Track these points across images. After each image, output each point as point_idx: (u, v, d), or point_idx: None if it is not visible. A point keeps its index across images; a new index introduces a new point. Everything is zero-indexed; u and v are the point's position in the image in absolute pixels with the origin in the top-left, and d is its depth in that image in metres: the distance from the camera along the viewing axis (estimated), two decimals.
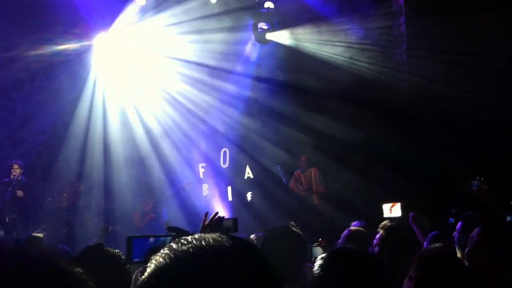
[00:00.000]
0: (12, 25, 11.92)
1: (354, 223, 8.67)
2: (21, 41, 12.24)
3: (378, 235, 4.13)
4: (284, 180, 11.43)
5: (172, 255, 1.08)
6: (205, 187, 12.25)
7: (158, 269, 1.07)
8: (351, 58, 11.87)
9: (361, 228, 5.09)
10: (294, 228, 3.29)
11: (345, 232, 4.89)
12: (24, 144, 12.16)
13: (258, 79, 12.38)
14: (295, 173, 11.57)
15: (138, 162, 12.06)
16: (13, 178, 10.53)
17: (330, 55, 12.01)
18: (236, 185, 12.18)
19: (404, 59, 11.77)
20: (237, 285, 1.07)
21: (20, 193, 10.40)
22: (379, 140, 10.68)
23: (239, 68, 12.63)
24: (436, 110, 10.67)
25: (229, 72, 12.49)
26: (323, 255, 2.41)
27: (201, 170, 12.41)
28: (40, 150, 12.26)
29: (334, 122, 11.14)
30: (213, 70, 12.35)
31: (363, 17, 11.96)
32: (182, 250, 1.09)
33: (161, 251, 1.11)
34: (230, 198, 12.08)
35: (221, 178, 12.30)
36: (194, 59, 12.27)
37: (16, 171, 10.55)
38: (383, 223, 4.23)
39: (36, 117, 12.31)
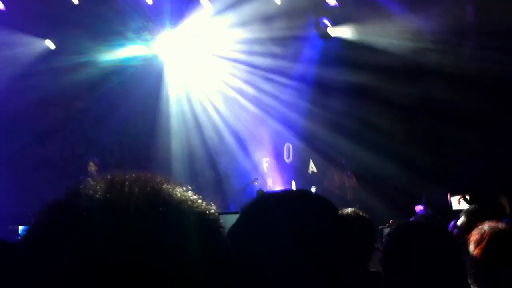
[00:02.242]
0: (84, 29, 12.56)
1: (419, 208, 8.54)
2: (93, 45, 12.88)
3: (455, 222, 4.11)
4: (349, 172, 11.37)
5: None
6: (269, 181, 12.37)
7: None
8: (419, 51, 11.62)
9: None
10: (360, 212, 3.34)
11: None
12: (97, 143, 12.77)
13: (320, 75, 12.37)
14: (333, 173, 11.59)
15: (204, 158, 12.37)
16: (89, 175, 11.08)
17: (395, 47, 11.81)
18: (300, 179, 12.22)
19: (474, 50, 11.41)
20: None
21: None
22: (446, 134, 10.45)
23: (301, 64, 12.68)
24: (507, 102, 10.30)
25: (291, 69, 12.57)
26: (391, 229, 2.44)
27: (265, 165, 12.55)
28: (112, 149, 12.82)
29: (396, 114, 11.01)
30: (275, 67, 12.47)
31: (430, 9, 11.69)
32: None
33: None
34: None
35: (285, 172, 12.40)
36: (258, 57, 12.45)
37: (92, 168, 11.12)
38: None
39: (108, 117, 12.87)
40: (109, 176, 0.88)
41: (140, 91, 12.76)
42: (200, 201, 0.91)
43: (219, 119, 12.62)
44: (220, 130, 12.57)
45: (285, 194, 1.48)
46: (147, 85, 12.78)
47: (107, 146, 12.76)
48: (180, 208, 0.86)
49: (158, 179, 0.89)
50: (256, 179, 11.59)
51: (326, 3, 12.40)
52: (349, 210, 3.36)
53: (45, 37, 12.75)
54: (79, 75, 13.22)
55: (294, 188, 12.07)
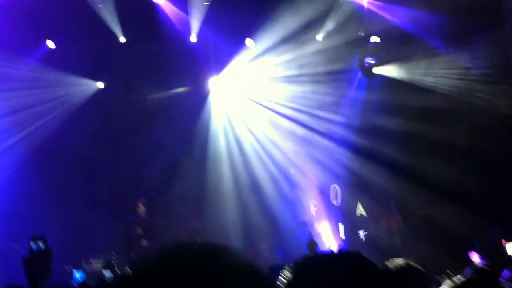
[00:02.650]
0: (132, 69, 12.95)
1: (474, 257, 8.31)
2: (141, 84, 13.26)
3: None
4: (399, 216, 11.20)
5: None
6: (316, 224, 12.30)
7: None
8: (465, 88, 11.48)
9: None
10: (412, 263, 3.29)
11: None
12: (145, 182, 13.01)
13: (365, 115, 12.35)
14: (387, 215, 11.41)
15: (251, 199, 12.43)
16: (138, 216, 11.33)
17: (442, 86, 11.70)
18: (348, 222, 12.10)
19: None
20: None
21: (139, 232, 11.17)
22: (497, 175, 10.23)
23: (346, 103, 12.69)
24: None
25: (336, 108, 12.60)
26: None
27: (313, 207, 12.49)
28: (160, 189, 13.01)
29: (445, 155, 10.86)
30: (320, 107, 12.53)
31: (475, 46, 11.57)
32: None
33: None
34: (342, 236, 12.02)
35: (332, 215, 12.30)
36: (302, 97, 12.55)
37: (140, 209, 11.34)
38: None
39: (156, 156, 13.13)
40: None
41: (187, 131, 13.00)
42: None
43: (267, 161, 12.70)
44: (268, 171, 12.63)
45: (336, 261, 1.57)
46: (194, 125, 13.01)
47: (154, 185, 12.98)
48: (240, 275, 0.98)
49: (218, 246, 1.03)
50: (304, 223, 11.55)
51: (369, 40, 12.43)
52: (401, 261, 3.28)
53: (93, 76, 13.17)
54: (127, 114, 13.60)
55: (342, 231, 11.99)
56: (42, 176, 12.32)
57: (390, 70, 12.51)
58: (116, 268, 8.53)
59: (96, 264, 11.20)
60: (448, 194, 10.53)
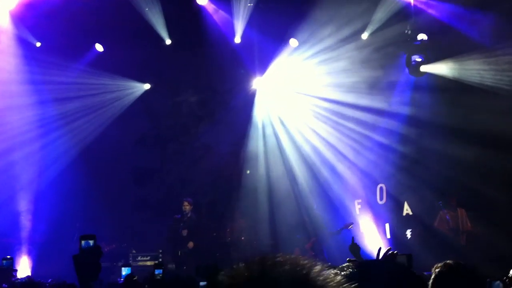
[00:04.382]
0: (178, 71, 13.15)
1: None
2: (187, 86, 13.44)
3: None
4: (448, 217, 10.93)
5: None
6: (362, 223, 12.15)
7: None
8: None
9: None
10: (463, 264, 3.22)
11: None
12: (191, 184, 13.18)
13: (413, 114, 12.10)
14: (441, 212, 11.04)
15: (296, 199, 12.40)
16: (184, 215, 11.51)
17: (494, 84, 11.32)
18: (394, 222, 11.90)
19: None
20: None
21: (185, 232, 11.32)
22: None
23: (392, 103, 12.46)
24: None
25: (383, 107, 12.39)
26: None
27: (358, 207, 12.35)
28: (205, 189, 13.15)
29: (495, 152, 10.50)
30: (367, 106, 12.35)
31: None
32: None
33: None
34: (388, 236, 11.84)
35: (378, 214, 12.12)
36: (347, 95, 12.41)
37: (187, 207, 11.52)
38: None
39: (202, 158, 13.28)
40: (259, 257, 1.11)
41: (233, 132, 13.09)
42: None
43: (312, 160, 12.63)
44: (313, 170, 12.57)
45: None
46: (240, 126, 13.09)
47: (200, 186, 13.12)
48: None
49: (304, 261, 1.11)
50: (351, 224, 11.42)
51: (416, 38, 12.18)
52: (452, 263, 3.21)
53: (140, 79, 13.44)
54: (174, 116, 13.82)
55: (388, 232, 11.80)
56: (92, 177, 12.67)
57: (438, 68, 12.22)
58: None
59: (144, 261, 11.45)
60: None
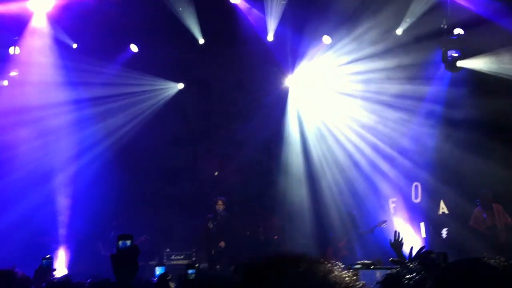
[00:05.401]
0: (211, 70, 13.21)
1: None
2: (219, 85, 13.50)
3: None
4: (485, 215, 10.66)
5: None
6: (396, 222, 11.98)
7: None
8: None
9: None
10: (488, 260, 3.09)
11: None
12: (224, 182, 13.23)
13: (449, 110, 11.85)
14: (475, 210, 10.72)
15: (328, 197, 12.31)
16: (217, 213, 11.57)
17: None
18: (429, 221, 11.69)
19: None
20: None
21: (219, 229, 11.37)
22: None
23: (427, 100, 12.24)
24: None
25: (419, 103, 12.18)
26: None
27: (392, 205, 12.18)
28: (238, 188, 13.19)
29: None
30: (401, 103, 12.16)
31: None
32: None
33: None
34: (423, 235, 11.64)
35: (413, 213, 11.92)
36: (382, 91, 12.24)
37: (220, 206, 11.57)
38: None
39: (234, 157, 13.32)
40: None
41: (265, 130, 13.07)
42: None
43: (345, 158, 12.52)
44: (346, 169, 12.45)
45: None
46: (273, 123, 13.06)
47: (233, 185, 13.16)
48: None
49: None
50: (385, 222, 11.28)
51: (452, 32, 11.92)
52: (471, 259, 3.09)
53: (174, 78, 13.55)
54: (206, 115, 13.90)
55: (423, 231, 11.60)
56: (127, 176, 12.85)
57: (475, 63, 11.93)
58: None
59: (177, 261, 11.54)
60: None
